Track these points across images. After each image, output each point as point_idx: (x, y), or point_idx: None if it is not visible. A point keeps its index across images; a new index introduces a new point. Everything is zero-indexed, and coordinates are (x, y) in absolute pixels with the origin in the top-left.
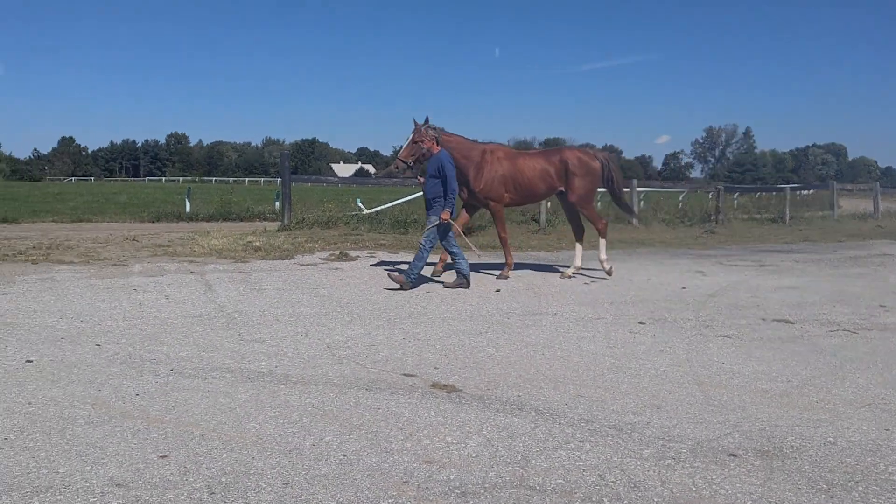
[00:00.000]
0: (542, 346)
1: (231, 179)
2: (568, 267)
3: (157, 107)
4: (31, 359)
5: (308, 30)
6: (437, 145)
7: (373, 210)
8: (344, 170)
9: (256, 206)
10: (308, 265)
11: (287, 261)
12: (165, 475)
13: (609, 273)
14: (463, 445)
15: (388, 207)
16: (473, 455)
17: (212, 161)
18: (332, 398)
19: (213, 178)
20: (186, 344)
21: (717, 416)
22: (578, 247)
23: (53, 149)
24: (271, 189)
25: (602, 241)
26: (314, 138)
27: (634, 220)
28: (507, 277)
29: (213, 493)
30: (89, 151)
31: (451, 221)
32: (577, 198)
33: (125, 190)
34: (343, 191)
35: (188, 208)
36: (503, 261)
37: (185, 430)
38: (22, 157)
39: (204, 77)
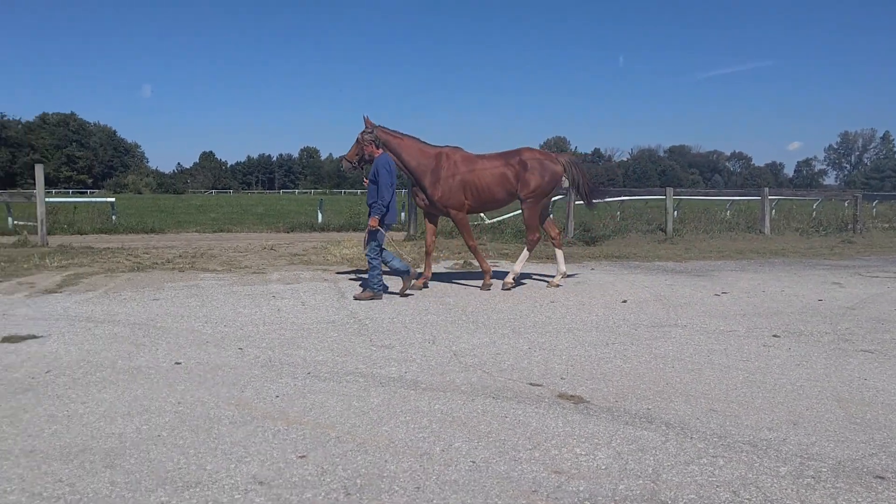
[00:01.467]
0: (671, 358)
1: (358, 191)
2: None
3: (291, 122)
4: (180, 361)
5: (433, 44)
6: (378, 148)
7: (495, 220)
8: None
9: None
10: (433, 274)
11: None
12: (304, 475)
13: (493, 287)
14: (592, 457)
15: (510, 217)
16: (603, 467)
17: (340, 173)
18: (460, 405)
19: (342, 191)
20: (322, 348)
21: (860, 434)
22: (559, 253)
23: (195, 163)
24: (396, 200)
25: (525, 253)
26: None
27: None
28: (489, 287)
29: (349, 493)
30: (228, 165)
31: (380, 229)
32: (526, 194)
33: (261, 202)
34: None
35: (320, 219)
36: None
37: (322, 431)
38: (167, 172)
39: (333, 93)
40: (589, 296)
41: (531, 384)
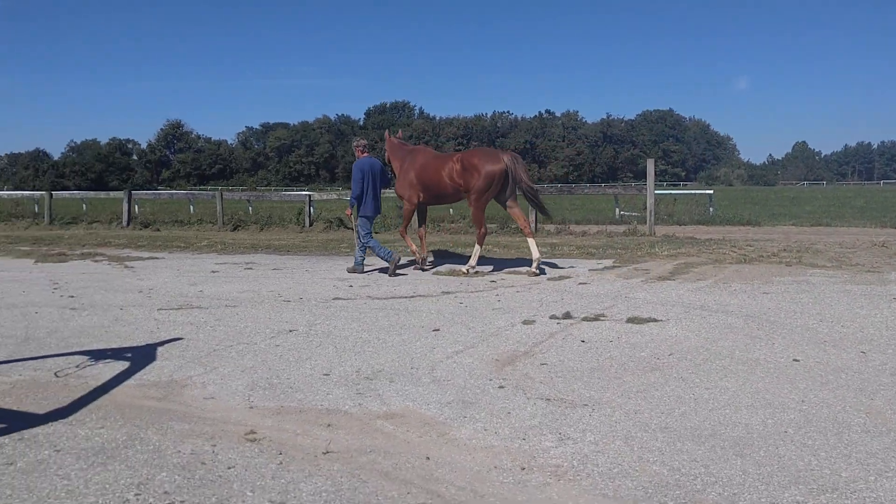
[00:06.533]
0: None
1: None
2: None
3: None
4: (798, 358)
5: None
6: (365, 152)
7: None
8: None
9: None
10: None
11: None
12: None
13: (466, 272)
14: None
15: None
16: None
17: None
18: None
19: None
20: None
21: None
22: (531, 241)
23: (787, 154)
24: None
25: (476, 247)
26: None
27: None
28: (424, 268)
29: None
30: (822, 156)
31: (351, 218)
32: (468, 193)
33: (860, 194)
34: None
35: None
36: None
37: None
38: (758, 163)
39: None
40: None
41: None
